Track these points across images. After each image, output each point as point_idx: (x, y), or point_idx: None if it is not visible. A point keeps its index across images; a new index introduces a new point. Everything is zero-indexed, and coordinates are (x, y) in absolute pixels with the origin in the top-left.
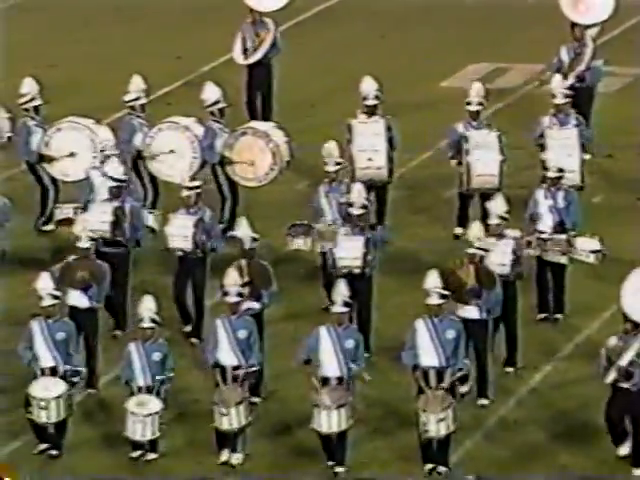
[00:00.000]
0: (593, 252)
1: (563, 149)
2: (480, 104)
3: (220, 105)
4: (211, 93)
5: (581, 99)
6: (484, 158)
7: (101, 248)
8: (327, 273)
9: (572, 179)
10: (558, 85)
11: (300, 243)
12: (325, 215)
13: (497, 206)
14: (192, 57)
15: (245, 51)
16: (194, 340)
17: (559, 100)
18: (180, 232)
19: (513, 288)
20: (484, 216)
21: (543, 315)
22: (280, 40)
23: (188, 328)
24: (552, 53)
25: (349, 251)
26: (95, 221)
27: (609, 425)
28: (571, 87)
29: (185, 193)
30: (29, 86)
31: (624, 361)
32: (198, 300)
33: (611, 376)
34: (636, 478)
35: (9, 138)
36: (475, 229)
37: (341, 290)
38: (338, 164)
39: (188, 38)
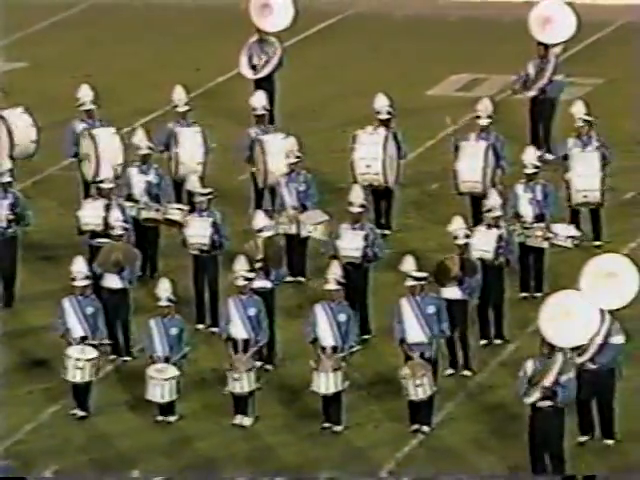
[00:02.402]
0: (570, 237)
1: (587, 170)
2: (488, 117)
3: (260, 112)
4: (258, 101)
5: (543, 110)
6: (470, 166)
7: (92, 240)
8: (294, 254)
9: (594, 197)
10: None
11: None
12: (286, 202)
13: (489, 200)
14: (209, 69)
15: (253, 67)
16: (214, 329)
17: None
18: (199, 232)
19: (500, 273)
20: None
21: (524, 294)
22: (284, 57)
23: (201, 326)
24: (524, 66)
25: (350, 244)
26: (89, 216)
27: (533, 456)
28: (534, 98)
29: (198, 199)
30: (81, 92)
31: (548, 381)
32: (213, 293)
33: (534, 396)
34: None
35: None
36: (457, 222)
37: (334, 270)
38: (297, 157)
39: (206, 52)
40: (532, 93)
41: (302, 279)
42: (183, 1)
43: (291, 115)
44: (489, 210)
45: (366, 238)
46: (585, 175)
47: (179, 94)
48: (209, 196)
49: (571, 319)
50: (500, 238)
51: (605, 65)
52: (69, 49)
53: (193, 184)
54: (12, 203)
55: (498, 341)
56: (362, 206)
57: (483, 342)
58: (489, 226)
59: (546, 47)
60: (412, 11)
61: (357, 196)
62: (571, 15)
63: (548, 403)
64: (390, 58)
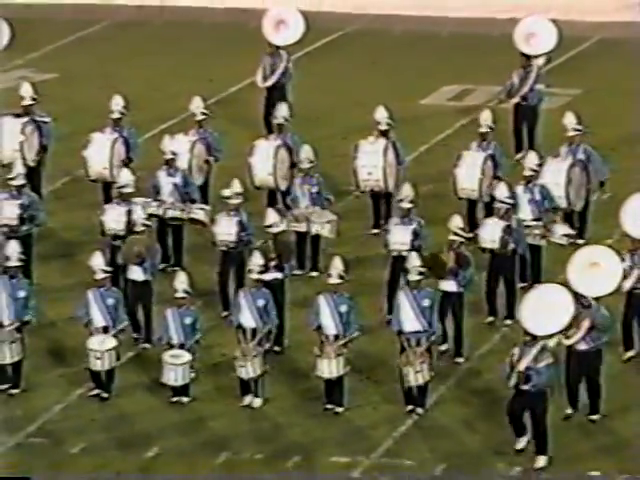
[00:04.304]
0: (565, 236)
1: (551, 179)
2: (488, 127)
3: (278, 121)
4: (279, 112)
5: (526, 116)
6: (468, 174)
7: (114, 241)
8: (305, 250)
9: (560, 203)
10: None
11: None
12: (299, 202)
13: (499, 192)
14: (222, 80)
15: (265, 77)
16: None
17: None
18: (225, 230)
19: (509, 261)
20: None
21: (524, 284)
22: (291, 68)
23: (225, 313)
24: (509, 76)
25: (399, 237)
26: (112, 220)
27: (510, 419)
28: (517, 105)
29: (234, 200)
30: (114, 101)
31: (522, 366)
32: (238, 285)
33: (512, 380)
34: None
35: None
36: (455, 220)
37: (337, 265)
38: (310, 162)
39: (218, 64)
40: (515, 100)
41: (315, 274)
42: (197, 19)
43: (296, 123)
44: (500, 202)
45: (414, 231)
46: (549, 183)
47: (197, 104)
48: (239, 196)
49: (547, 309)
50: (507, 228)
51: (583, 77)
52: (95, 61)
53: (235, 186)
54: (24, 203)
55: (509, 321)
56: (412, 202)
57: (489, 319)
58: (501, 218)
59: (528, 58)
60: (408, 28)
61: (407, 194)
62: (553, 30)
63: (525, 387)
64: (387, 71)
